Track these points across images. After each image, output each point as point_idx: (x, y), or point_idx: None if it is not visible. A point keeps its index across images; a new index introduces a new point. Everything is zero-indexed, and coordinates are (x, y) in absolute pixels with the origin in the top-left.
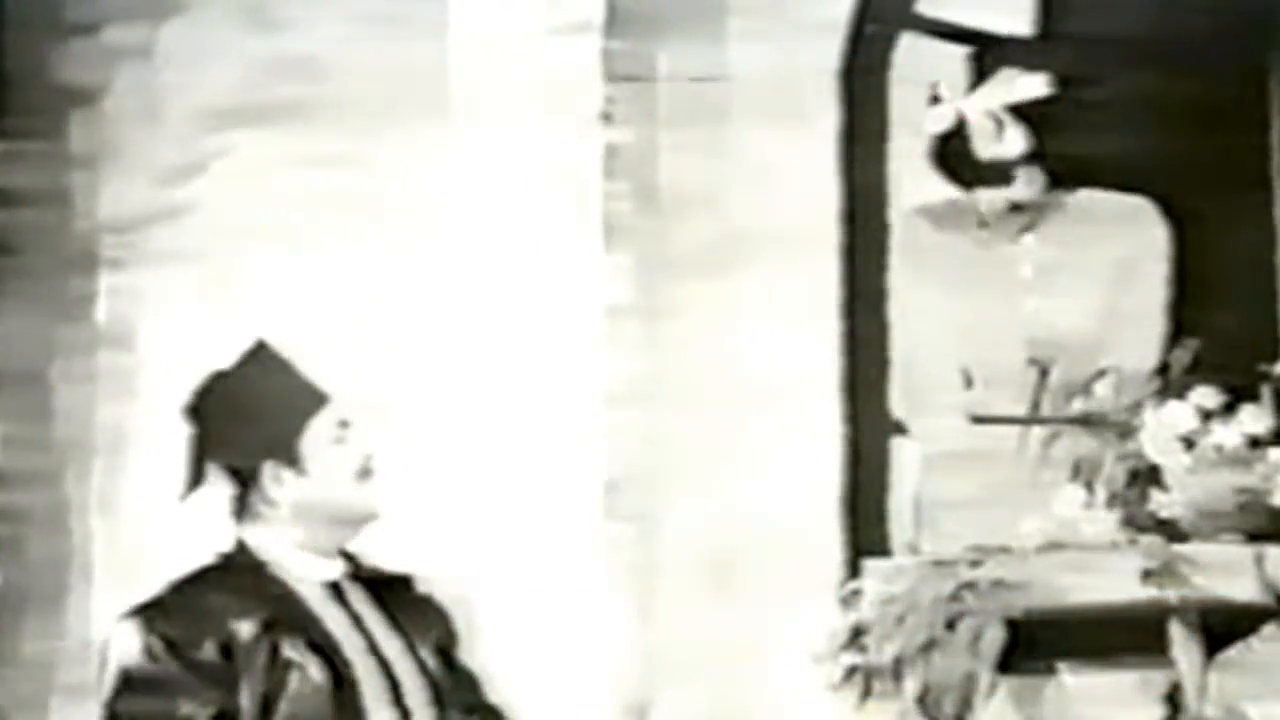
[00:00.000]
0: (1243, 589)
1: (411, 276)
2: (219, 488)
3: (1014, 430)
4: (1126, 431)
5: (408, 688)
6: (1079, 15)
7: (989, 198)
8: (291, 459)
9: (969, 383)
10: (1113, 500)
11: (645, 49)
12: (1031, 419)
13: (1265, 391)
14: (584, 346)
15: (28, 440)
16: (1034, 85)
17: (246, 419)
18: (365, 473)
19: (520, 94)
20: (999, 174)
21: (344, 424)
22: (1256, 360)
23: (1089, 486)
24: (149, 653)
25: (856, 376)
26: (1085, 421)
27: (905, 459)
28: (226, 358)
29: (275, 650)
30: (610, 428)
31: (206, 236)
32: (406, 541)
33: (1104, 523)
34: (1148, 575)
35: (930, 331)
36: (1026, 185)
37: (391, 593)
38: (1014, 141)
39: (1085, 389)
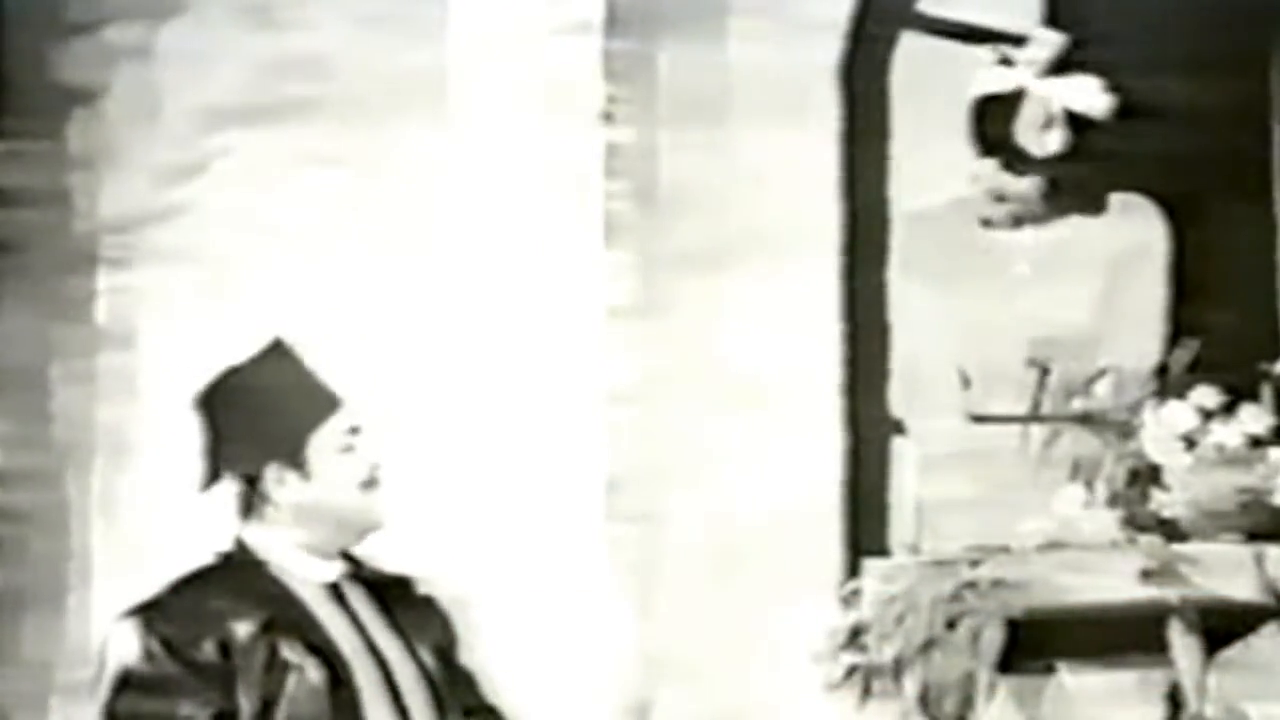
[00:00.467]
0: (1243, 589)
1: (412, 275)
2: (227, 484)
3: (1014, 430)
4: (1126, 431)
5: (406, 689)
6: (1079, 15)
7: (998, 177)
8: (297, 462)
9: (967, 382)
10: (1113, 500)
11: (645, 49)
12: (1031, 418)
13: (1265, 391)
14: (585, 346)
15: (28, 440)
16: (1098, 101)
17: (255, 417)
18: (371, 483)
19: (520, 94)
20: (1024, 162)
21: (354, 430)
22: (1256, 360)
23: (1089, 486)
24: (148, 653)
25: (856, 376)
26: (1085, 421)
27: (905, 459)
28: (233, 356)
29: (274, 651)
30: (611, 427)
31: (207, 236)
32: (406, 542)
33: (1104, 522)
34: (1148, 575)
35: (930, 331)
36: (1028, 185)
37: (391, 594)
38: (1053, 142)
39: (1085, 389)
